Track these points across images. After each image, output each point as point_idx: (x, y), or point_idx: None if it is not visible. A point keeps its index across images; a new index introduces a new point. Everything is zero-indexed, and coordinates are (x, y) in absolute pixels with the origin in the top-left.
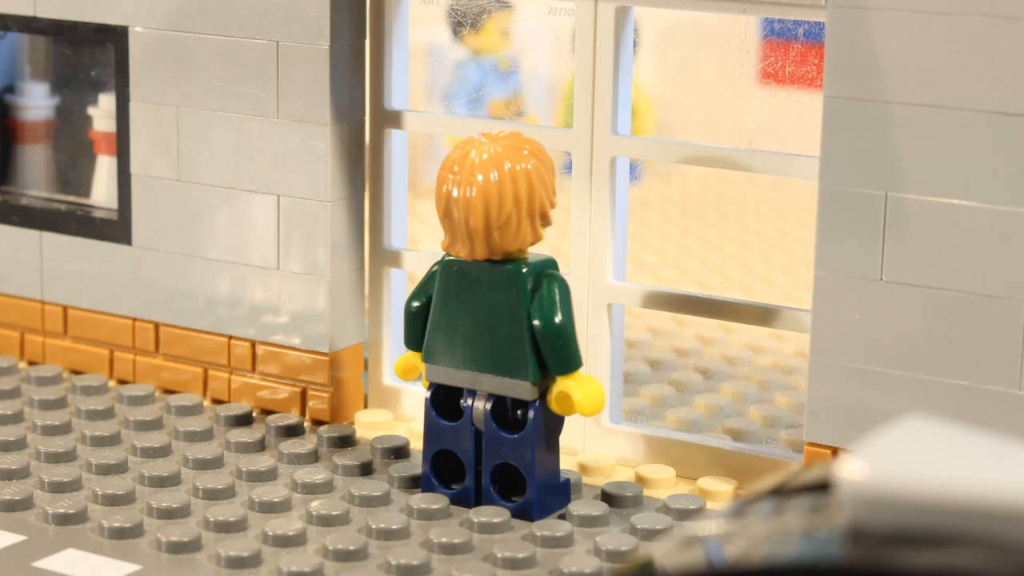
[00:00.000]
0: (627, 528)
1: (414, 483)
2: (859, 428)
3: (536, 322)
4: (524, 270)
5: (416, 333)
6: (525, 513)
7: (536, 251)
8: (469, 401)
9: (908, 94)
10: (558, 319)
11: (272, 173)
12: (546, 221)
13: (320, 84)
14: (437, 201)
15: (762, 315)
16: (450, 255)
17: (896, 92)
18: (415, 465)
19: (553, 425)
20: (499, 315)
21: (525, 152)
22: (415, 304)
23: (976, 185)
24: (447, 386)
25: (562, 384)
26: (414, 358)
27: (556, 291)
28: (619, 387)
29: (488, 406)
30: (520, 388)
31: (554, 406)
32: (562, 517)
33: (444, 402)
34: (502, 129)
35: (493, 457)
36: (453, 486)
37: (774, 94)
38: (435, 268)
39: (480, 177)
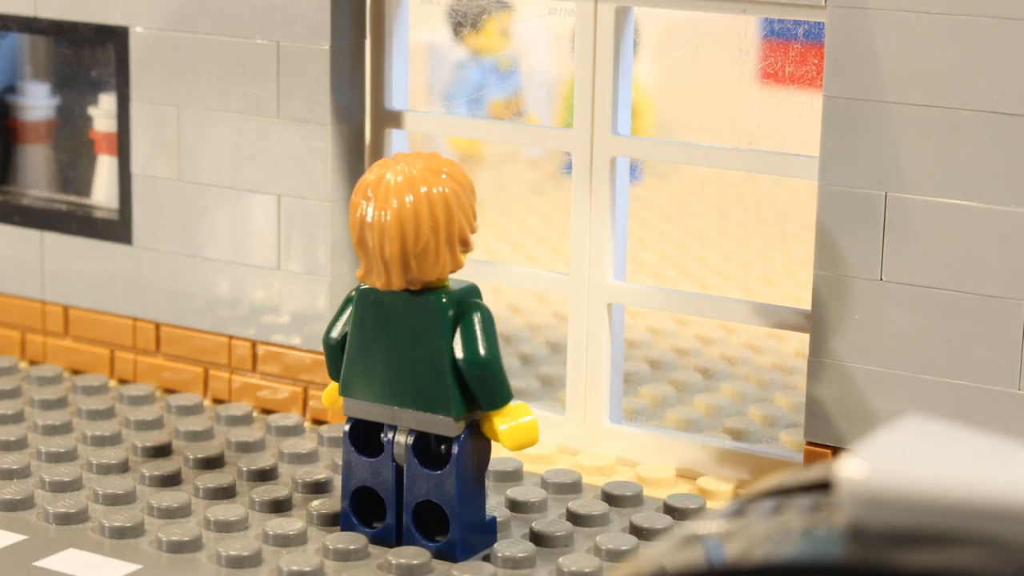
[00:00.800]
0: (627, 528)
1: None
2: (859, 428)
3: (460, 356)
4: (444, 300)
5: (339, 365)
6: (448, 554)
7: (459, 277)
8: (390, 435)
9: (908, 94)
10: (482, 352)
11: (272, 173)
12: (467, 247)
13: (320, 84)
14: (351, 227)
15: (762, 315)
16: (365, 284)
17: (896, 92)
18: None
19: (479, 460)
20: (418, 348)
21: (443, 175)
22: (333, 337)
23: (976, 185)
24: (366, 420)
25: (491, 418)
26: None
27: (478, 322)
28: (619, 387)
29: (410, 440)
30: (442, 424)
31: (486, 432)
32: (487, 559)
33: (363, 436)
34: (420, 150)
35: (415, 494)
36: (375, 524)
37: (774, 94)
38: (352, 295)
39: (395, 201)
